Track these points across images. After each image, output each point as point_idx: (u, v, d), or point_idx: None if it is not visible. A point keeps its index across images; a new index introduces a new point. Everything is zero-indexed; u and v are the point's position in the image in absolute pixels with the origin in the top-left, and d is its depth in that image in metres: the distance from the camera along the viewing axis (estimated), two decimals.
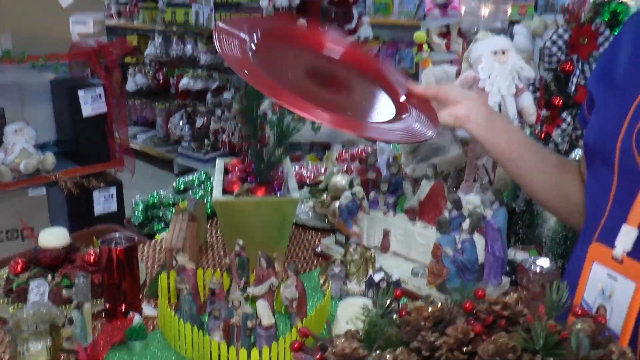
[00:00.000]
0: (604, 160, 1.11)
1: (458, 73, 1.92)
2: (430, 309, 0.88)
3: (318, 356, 0.92)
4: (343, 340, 0.89)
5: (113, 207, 3.67)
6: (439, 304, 0.89)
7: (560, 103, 2.25)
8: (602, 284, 0.96)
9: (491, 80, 1.77)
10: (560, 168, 1.39)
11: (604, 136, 1.12)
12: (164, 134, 6.60)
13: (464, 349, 0.82)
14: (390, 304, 0.94)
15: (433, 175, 1.72)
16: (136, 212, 2.35)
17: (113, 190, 3.66)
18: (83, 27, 3.63)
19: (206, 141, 5.93)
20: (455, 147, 1.96)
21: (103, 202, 3.63)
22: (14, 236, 3.35)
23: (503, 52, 1.79)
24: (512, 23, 2.60)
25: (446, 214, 1.62)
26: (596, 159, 1.16)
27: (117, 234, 1.56)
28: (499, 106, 1.72)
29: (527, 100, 1.82)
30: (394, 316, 0.92)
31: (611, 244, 0.98)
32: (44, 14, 3.37)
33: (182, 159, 6.10)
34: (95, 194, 3.59)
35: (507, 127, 1.44)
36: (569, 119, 2.31)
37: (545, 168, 1.38)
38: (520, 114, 1.82)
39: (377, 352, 0.86)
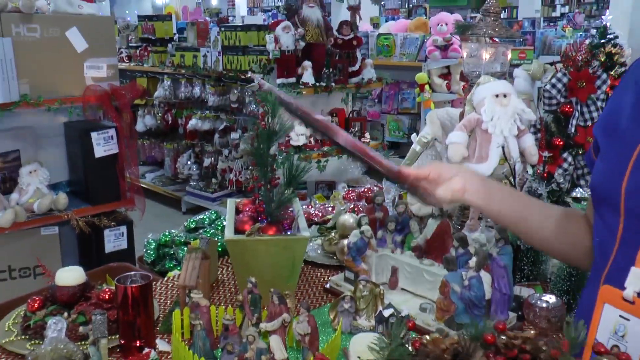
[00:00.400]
0: (610, 203, 1.14)
1: (461, 115, 1.96)
2: (447, 341, 0.89)
3: None
4: None
5: (123, 245, 3.68)
6: (456, 337, 0.90)
7: (561, 144, 2.29)
8: (614, 325, 0.97)
9: (494, 122, 1.81)
10: (564, 219, 1.40)
11: (609, 179, 1.15)
12: (172, 173, 6.64)
13: None
14: (404, 335, 0.95)
15: (439, 214, 1.74)
16: (148, 250, 2.37)
17: (123, 229, 3.67)
18: (97, 72, 3.69)
19: (214, 180, 5.96)
20: None
21: (114, 240, 3.64)
22: (27, 274, 3.35)
23: (505, 96, 1.83)
24: (512, 67, 2.65)
25: (452, 251, 1.64)
26: (603, 202, 1.19)
27: (132, 273, 1.58)
28: (502, 148, 1.75)
29: (529, 142, 1.86)
30: (410, 348, 0.93)
31: (620, 285, 0.99)
32: (60, 59, 3.43)
33: (190, 197, 6.12)
34: (106, 232, 3.60)
35: (504, 191, 1.45)
36: (569, 159, 2.34)
37: (549, 222, 1.39)
38: (522, 154, 1.85)
39: None
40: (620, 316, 0.96)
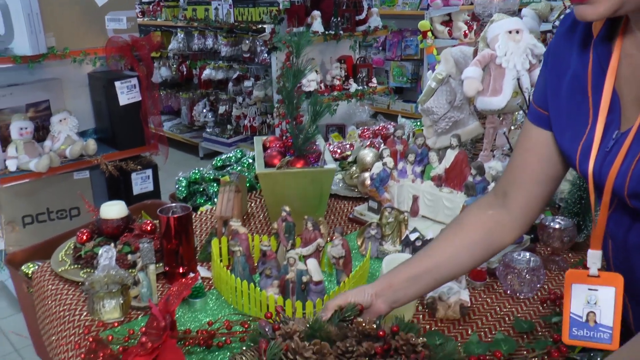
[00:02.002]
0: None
1: (475, 52, 1.93)
2: (367, 325, 1.08)
3: (275, 325, 1.11)
4: (297, 323, 1.09)
5: (150, 187, 3.70)
6: (376, 325, 1.08)
7: None
8: (586, 297, 1.06)
9: (507, 57, 1.78)
10: (451, 242, 1.20)
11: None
12: (189, 121, 6.61)
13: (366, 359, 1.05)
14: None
15: (457, 144, 1.73)
16: (180, 187, 2.37)
17: (149, 172, 3.69)
18: (117, 24, 3.64)
19: (229, 126, 5.93)
20: (473, 120, 1.97)
21: (140, 182, 3.66)
22: (64, 216, 3.38)
23: (517, 32, 1.80)
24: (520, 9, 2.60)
25: (470, 179, 1.64)
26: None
27: (172, 204, 1.59)
28: (518, 80, 1.73)
29: None
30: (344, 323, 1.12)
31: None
32: (82, 13, 3.39)
33: (206, 143, 6.11)
34: (133, 175, 3.62)
35: (404, 279, 1.20)
36: None
37: (444, 254, 1.20)
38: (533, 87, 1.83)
39: (307, 342, 1.05)
40: (589, 289, 1.06)
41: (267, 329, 1.13)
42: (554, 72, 1.07)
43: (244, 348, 1.12)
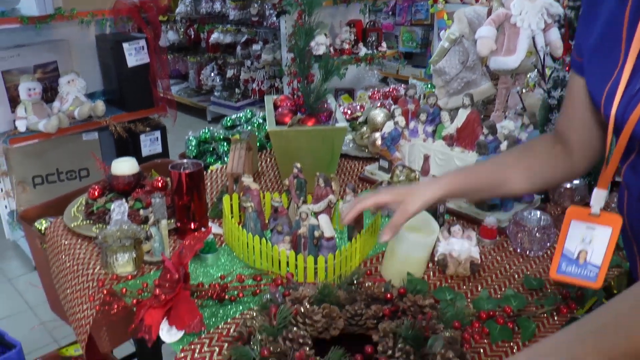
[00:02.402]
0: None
1: (489, 12, 1.90)
2: (375, 289, 1.14)
3: (285, 292, 1.14)
4: (307, 289, 1.13)
5: (158, 149, 3.72)
6: (384, 288, 1.14)
7: None
8: (582, 235, 1.08)
9: (522, 16, 1.75)
10: (518, 161, 1.22)
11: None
12: (197, 85, 6.59)
13: (374, 322, 1.09)
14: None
15: (470, 103, 1.72)
16: (189, 146, 2.38)
17: (158, 134, 3.70)
18: None
19: (237, 90, 5.91)
20: (486, 80, 1.96)
21: (149, 144, 3.67)
22: (73, 176, 3.41)
23: None
24: None
25: (482, 138, 1.63)
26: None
27: (184, 160, 1.59)
28: (533, 39, 1.71)
29: (555, 35, 1.81)
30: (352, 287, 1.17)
31: None
32: None
33: (214, 107, 6.09)
34: (142, 137, 3.63)
35: (449, 179, 1.23)
36: None
37: (504, 176, 1.21)
38: (547, 47, 1.81)
39: (316, 305, 1.08)
40: (587, 227, 1.08)
41: (277, 295, 1.14)
42: (591, 13, 1.05)
43: (255, 314, 1.13)
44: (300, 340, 1.01)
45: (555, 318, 1.27)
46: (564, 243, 1.11)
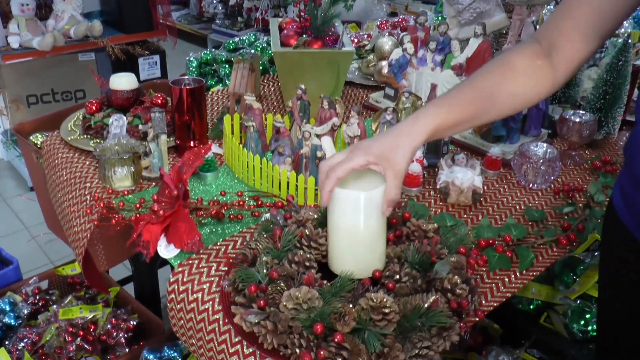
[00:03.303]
0: None
1: None
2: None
3: (286, 215, 1.15)
4: (309, 212, 1.14)
5: (157, 73, 3.67)
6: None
7: None
8: None
9: None
10: (499, 85, 1.08)
11: None
12: (198, 11, 6.45)
13: None
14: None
15: (482, 33, 1.70)
16: (190, 67, 2.35)
17: (157, 58, 3.65)
18: None
19: (239, 19, 5.80)
20: (500, 12, 1.92)
21: (148, 68, 3.63)
22: (69, 97, 3.38)
23: None
24: None
25: None
26: None
27: (185, 77, 1.58)
28: None
29: None
30: None
31: None
32: None
33: (215, 35, 5.98)
34: (140, 60, 3.58)
35: (431, 118, 1.07)
36: None
37: (487, 104, 1.08)
38: None
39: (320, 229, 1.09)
40: None
41: (278, 218, 1.14)
42: None
43: (256, 235, 1.14)
44: (307, 264, 1.02)
45: (555, 249, 1.29)
46: None
